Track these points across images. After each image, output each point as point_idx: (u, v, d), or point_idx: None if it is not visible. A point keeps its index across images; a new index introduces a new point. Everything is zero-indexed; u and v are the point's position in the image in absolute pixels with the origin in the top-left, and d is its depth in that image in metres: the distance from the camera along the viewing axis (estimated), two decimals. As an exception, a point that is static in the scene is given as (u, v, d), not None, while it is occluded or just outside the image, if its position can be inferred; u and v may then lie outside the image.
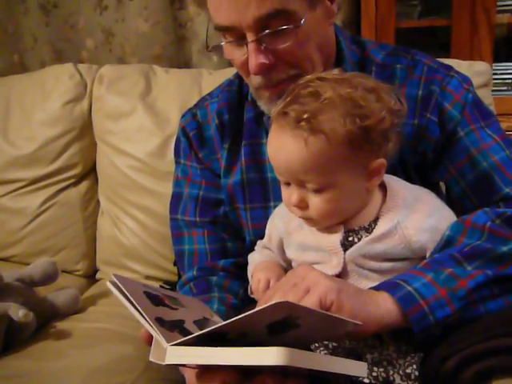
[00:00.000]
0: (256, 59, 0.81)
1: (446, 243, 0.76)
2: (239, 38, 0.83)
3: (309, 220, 0.78)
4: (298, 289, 0.67)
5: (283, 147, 0.73)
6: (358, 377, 0.66)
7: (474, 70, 1.31)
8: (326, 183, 0.73)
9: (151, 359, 0.63)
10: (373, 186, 0.77)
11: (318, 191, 0.73)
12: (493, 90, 1.43)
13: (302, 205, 0.75)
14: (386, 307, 0.69)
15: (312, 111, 0.70)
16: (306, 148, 0.71)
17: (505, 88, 1.78)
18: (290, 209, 0.78)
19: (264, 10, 0.78)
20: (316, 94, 0.71)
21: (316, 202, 0.74)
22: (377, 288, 0.72)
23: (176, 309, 0.72)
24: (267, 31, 0.80)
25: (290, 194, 0.76)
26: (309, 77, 0.76)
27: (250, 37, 0.81)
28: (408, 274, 0.73)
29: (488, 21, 1.61)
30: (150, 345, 0.65)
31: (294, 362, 0.55)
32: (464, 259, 0.73)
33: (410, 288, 0.70)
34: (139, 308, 0.64)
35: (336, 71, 0.77)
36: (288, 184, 0.77)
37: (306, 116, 0.70)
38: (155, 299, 0.71)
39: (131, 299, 0.65)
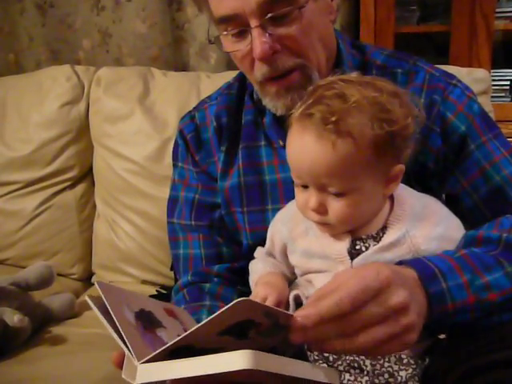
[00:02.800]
0: (261, 44, 0.81)
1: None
2: (243, 27, 0.82)
3: (325, 225, 0.75)
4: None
5: (307, 149, 0.71)
6: None
7: (474, 77, 1.32)
8: (349, 187, 0.71)
9: (123, 376, 0.60)
10: (389, 191, 0.76)
11: (339, 195, 0.71)
12: (491, 97, 1.43)
13: (321, 209, 0.73)
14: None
15: (340, 113, 0.68)
16: (333, 151, 0.69)
17: (503, 94, 1.79)
18: (306, 213, 0.76)
19: None
20: (342, 95, 0.70)
21: (337, 206, 0.72)
22: (413, 266, 0.69)
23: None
24: (270, 15, 0.80)
25: (307, 197, 0.74)
26: (330, 78, 0.75)
27: (253, 23, 0.81)
28: (447, 264, 0.70)
29: (487, 27, 1.62)
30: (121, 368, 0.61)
31: (260, 366, 0.53)
32: (504, 259, 0.72)
33: (444, 285, 0.68)
34: (114, 325, 0.61)
35: (355, 74, 0.76)
36: (305, 187, 0.74)
37: (333, 118, 0.68)
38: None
39: (102, 316, 0.62)
